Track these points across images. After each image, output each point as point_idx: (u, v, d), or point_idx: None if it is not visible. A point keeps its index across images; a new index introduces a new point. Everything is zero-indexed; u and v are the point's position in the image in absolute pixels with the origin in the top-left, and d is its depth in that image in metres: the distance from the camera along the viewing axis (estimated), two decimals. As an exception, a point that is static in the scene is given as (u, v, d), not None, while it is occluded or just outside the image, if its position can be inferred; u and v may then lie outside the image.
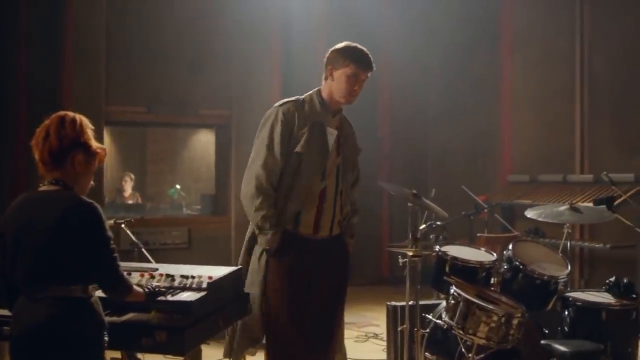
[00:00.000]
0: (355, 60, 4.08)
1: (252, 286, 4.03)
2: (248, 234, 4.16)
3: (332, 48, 4.17)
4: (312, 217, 4.07)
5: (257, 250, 4.08)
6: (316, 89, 4.20)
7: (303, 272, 4.04)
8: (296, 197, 4.01)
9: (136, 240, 5.62)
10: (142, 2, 8.77)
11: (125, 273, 3.25)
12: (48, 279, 2.99)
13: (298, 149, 3.98)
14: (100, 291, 3.21)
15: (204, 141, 12.39)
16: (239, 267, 4.02)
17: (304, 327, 4.02)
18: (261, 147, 4.03)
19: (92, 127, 3.20)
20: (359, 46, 4.15)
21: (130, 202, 10.82)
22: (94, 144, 3.17)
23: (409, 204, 5.43)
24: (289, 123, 4.01)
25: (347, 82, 4.07)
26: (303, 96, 4.17)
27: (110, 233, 3.10)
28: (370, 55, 4.16)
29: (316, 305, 4.08)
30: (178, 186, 11.69)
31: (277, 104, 4.12)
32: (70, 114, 3.16)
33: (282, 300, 3.99)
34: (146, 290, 3.39)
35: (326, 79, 4.16)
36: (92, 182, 3.24)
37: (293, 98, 4.15)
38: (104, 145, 3.26)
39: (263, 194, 3.95)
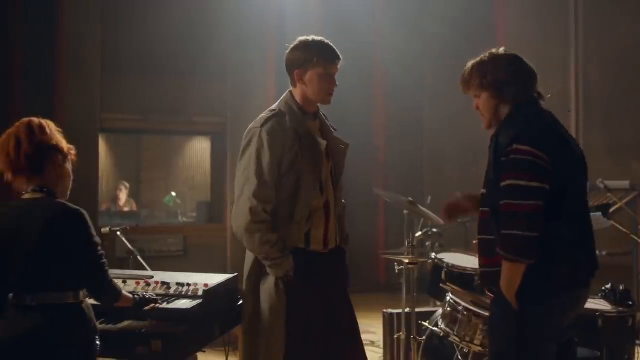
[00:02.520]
0: (322, 56, 3.68)
1: (274, 319, 3.60)
2: (248, 266, 3.72)
3: (289, 49, 3.76)
4: (321, 233, 3.73)
5: (270, 281, 3.62)
6: (287, 94, 3.80)
7: (321, 288, 3.72)
8: (301, 218, 3.63)
9: (132, 248, 5.59)
10: (136, 11, 8.78)
11: (114, 278, 3.24)
12: (39, 286, 2.98)
13: (294, 169, 3.62)
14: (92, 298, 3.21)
15: (200, 148, 12.38)
16: (235, 274, 3.99)
17: (329, 343, 3.72)
18: (249, 175, 3.61)
19: (60, 130, 3.18)
20: (317, 38, 3.74)
21: (125, 209, 10.80)
22: (65, 145, 3.16)
23: (405, 212, 5.43)
24: (276, 144, 3.60)
25: (321, 84, 3.69)
26: (278, 107, 3.75)
27: (97, 238, 3.09)
28: (332, 44, 3.75)
29: (335, 318, 3.78)
30: (174, 194, 11.67)
31: (257, 124, 3.68)
32: (35, 119, 3.13)
33: (308, 322, 3.64)
34: (136, 297, 3.38)
35: (294, 84, 3.76)
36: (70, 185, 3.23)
37: (271, 112, 3.71)
38: (72, 148, 3.23)
39: (261, 223, 3.55)
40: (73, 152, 3.21)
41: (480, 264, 3.38)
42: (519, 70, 3.33)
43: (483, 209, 3.29)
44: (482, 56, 3.38)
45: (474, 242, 7.33)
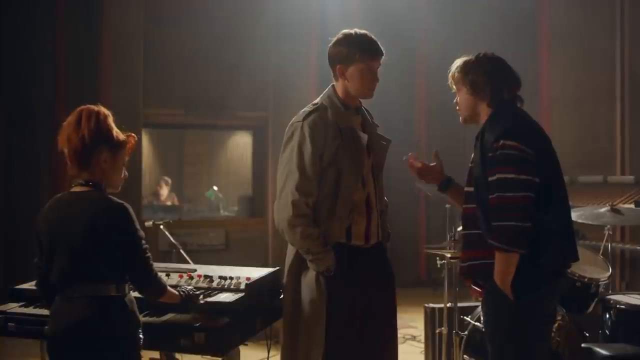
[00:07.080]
0: (364, 52, 3.67)
1: (314, 313, 3.61)
2: (290, 260, 3.72)
3: (332, 43, 3.74)
4: (362, 228, 3.71)
5: (311, 275, 3.62)
6: (329, 88, 3.79)
7: (362, 283, 3.70)
8: (342, 212, 3.62)
9: (174, 242, 5.64)
10: (179, 6, 8.86)
11: (159, 273, 3.26)
12: (82, 278, 3.02)
13: (336, 163, 3.61)
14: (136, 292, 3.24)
15: (241, 143, 12.46)
16: (277, 268, 4.00)
17: (368, 339, 3.72)
18: (291, 168, 3.60)
19: (110, 115, 3.14)
20: (360, 32, 3.72)
21: (168, 203, 10.90)
22: (118, 134, 3.14)
23: (447, 205, 5.39)
24: (318, 137, 3.59)
25: (363, 79, 3.69)
26: (320, 101, 3.75)
27: (142, 233, 3.10)
28: (375, 39, 3.72)
29: (376, 313, 3.76)
30: (215, 188, 11.75)
31: (299, 117, 3.68)
32: (88, 108, 3.11)
33: (348, 317, 3.64)
34: (182, 293, 3.40)
35: (337, 79, 3.75)
36: (125, 173, 3.22)
37: (313, 107, 3.71)
38: (132, 136, 3.22)
39: (303, 217, 3.56)
40: (131, 139, 3.20)
41: (465, 258, 3.43)
42: (500, 74, 3.52)
43: (469, 205, 3.39)
44: (469, 56, 3.60)
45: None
